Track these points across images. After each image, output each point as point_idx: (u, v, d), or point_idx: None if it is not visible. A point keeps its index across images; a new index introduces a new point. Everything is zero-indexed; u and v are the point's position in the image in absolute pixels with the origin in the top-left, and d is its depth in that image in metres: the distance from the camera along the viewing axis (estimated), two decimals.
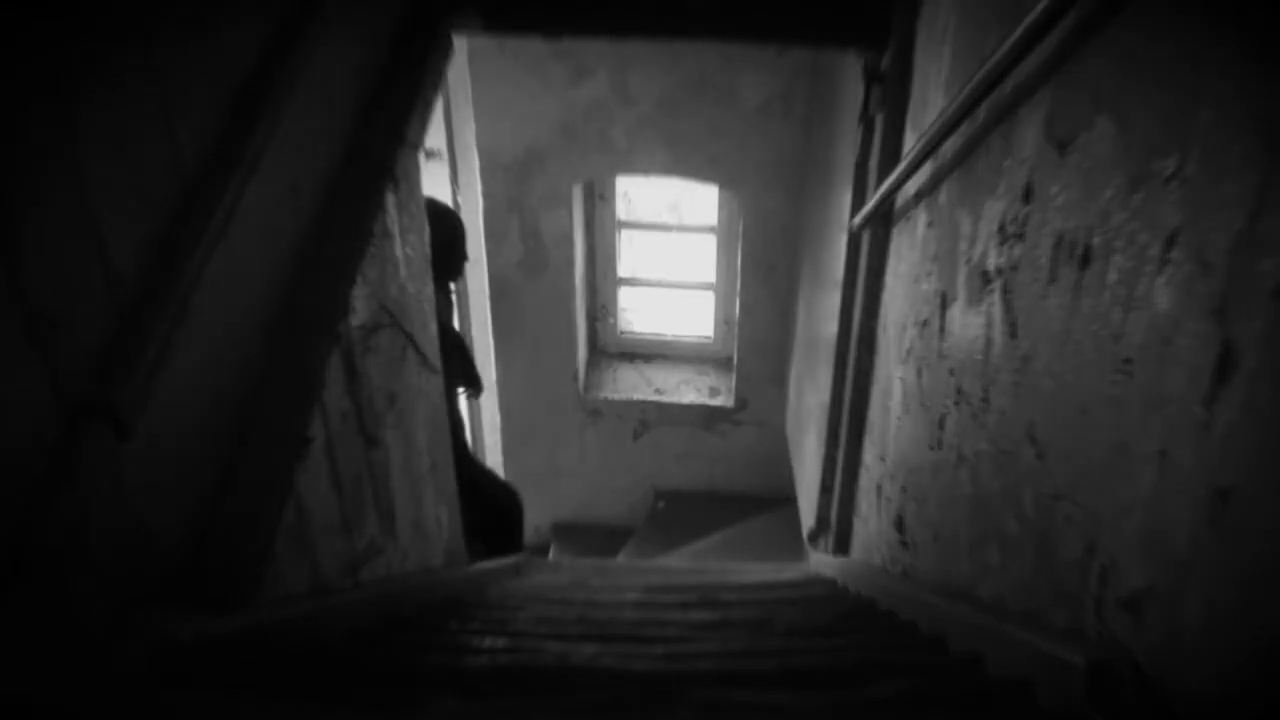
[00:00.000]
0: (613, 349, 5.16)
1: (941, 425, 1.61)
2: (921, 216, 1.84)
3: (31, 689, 0.77)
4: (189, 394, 1.11)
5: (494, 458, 4.82)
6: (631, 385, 4.95)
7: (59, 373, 0.86)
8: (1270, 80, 0.70)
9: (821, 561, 2.76)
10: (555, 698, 1.08)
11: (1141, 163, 0.90)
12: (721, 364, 5.06)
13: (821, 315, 3.14)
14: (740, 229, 4.43)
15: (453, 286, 3.25)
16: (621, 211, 4.81)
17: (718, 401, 4.85)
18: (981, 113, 1.41)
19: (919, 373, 1.80)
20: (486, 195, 4.17)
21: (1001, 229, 1.33)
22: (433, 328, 2.20)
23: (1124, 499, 0.91)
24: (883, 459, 2.14)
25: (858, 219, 2.30)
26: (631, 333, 5.19)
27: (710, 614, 1.88)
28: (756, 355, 4.67)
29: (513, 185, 4.17)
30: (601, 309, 5.04)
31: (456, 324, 4.47)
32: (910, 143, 2.03)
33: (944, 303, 1.63)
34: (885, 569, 2.05)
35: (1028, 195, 1.23)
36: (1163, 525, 0.83)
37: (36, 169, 0.83)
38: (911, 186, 1.90)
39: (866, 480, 2.36)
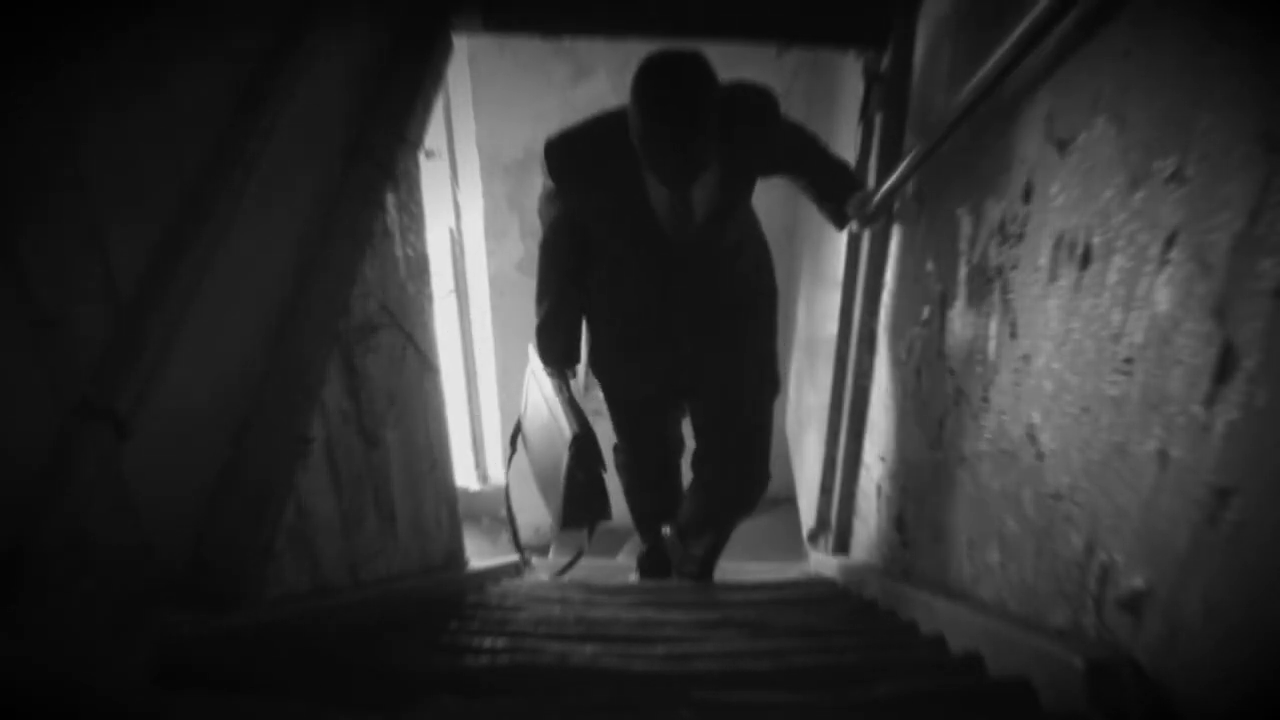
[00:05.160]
0: None
1: (941, 425, 1.61)
2: (922, 216, 1.84)
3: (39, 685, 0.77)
4: (189, 393, 1.11)
5: (494, 457, 4.81)
6: None
7: (59, 373, 0.86)
8: (1270, 81, 0.70)
9: (821, 561, 2.76)
10: (555, 698, 1.08)
11: (1141, 163, 0.90)
12: None
13: (821, 315, 3.14)
14: None
15: None
16: None
17: None
18: (981, 112, 1.41)
19: (919, 373, 1.80)
20: (486, 195, 4.17)
21: (1001, 229, 1.33)
22: (432, 327, 2.20)
23: (1124, 499, 0.91)
24: (883, 459, 2.14)
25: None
26: None
27: (710, 614, 1.88)
28: None
29: (513, 185, 4.17)
30: None
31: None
32: (910, 143, 2.03)
33: (944, 303, 1.63)
34: (885, 569, 2.05)
35: (1028, 195, 1.23)
36: (1163, 525, 0.83)
37: (37, 169, 0.83)
38: (911, 186, 1.90)
39: (866, 480, 2.36)
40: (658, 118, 1.68)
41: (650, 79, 1.69)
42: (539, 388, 2.46)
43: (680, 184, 1.81)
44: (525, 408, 2.64)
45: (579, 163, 1.96)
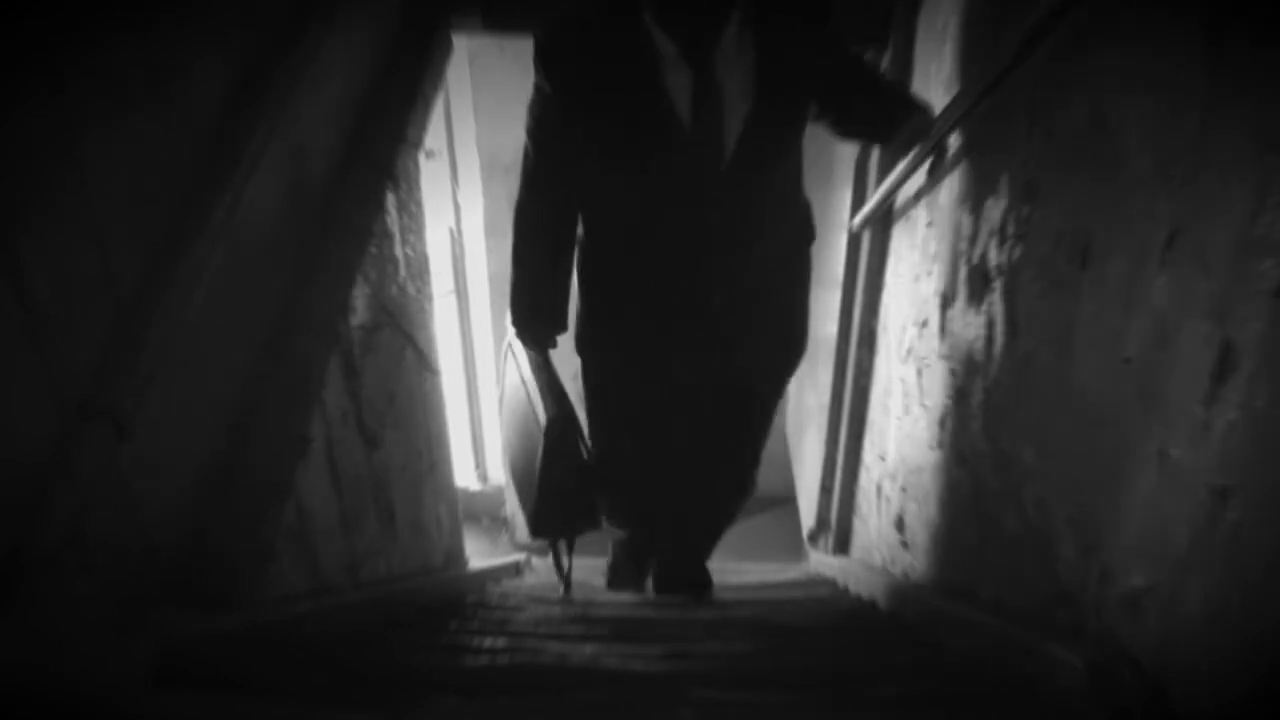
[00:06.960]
0: None
1: (941, 425, 1.60)
2: (921, 216, 1.84)
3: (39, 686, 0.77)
4: (189, 394, 1.11)
5: (494, 458, 4.81)
6: None
7: (59, 373, 0.86)
8: (1270, 81, 0.70)
9: (821, 561, 2.76)
10: (555, 698, 1.08)
11: (1141, 162, 0.90)
12: None
13: (821, 315, 3.14)
14: None
15: None
16: None
17: None
18: (982, 111, 1.41)
19: (919, 373, 1.80)
20: (486, 195, 4.16)
21: (1002, 229, 1.33)
22: (432, 327, 2.19)
23: (1124, 499, 0.91)
24: (883, 459, 2.14)
25: (858, 219, 2.30)
26: None
27: (710, 614, 1.88)
28: None
29: (513, 185, 4.16)
30: None
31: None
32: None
33: (944, 303, 1.63)
34: (885, 569, 2.05)
35: (1028, 195, 1.23)
36: (1163, 525, 0.83)
37: (37, 169, 0.83)
38: (911, 186, 1.90)
39: (866, 480, 2.36)
40: None
41: None
42: (517, 367, 1.91)
43: (696, 35, 1.44)
44: (503, 393, 2.07)
45: (586, 54, 1.52)
